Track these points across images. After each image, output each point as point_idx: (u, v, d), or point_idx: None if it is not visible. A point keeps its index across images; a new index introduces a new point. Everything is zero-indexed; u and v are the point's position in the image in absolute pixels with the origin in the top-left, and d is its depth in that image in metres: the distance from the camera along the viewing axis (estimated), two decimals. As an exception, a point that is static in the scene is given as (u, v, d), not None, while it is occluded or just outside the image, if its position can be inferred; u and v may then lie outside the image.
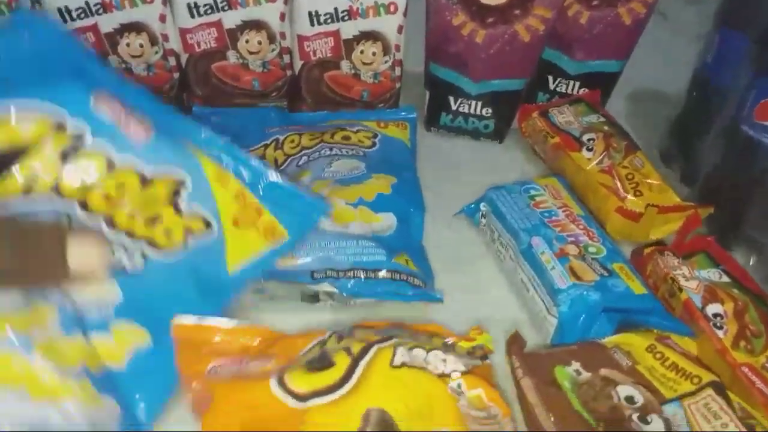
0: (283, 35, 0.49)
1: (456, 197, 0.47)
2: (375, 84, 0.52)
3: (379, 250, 0.38)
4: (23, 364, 0.28)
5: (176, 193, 0.33)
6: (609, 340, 0.35)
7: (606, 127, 0.49)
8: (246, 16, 0.47)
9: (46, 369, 0.28)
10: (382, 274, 0.38)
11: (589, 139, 0.48)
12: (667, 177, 0.47)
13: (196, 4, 0.46)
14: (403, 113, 0.52)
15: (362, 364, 0.30)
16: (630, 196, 0.44)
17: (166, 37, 0.48)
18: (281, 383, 0.30)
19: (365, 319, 0.35)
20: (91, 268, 0.30)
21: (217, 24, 0.48)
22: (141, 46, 0.48)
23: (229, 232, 0.34)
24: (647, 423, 0.30)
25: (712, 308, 0.36)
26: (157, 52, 0.48)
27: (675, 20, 0.75)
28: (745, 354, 0.34)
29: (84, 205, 0.31)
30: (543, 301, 0.38)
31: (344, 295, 0.37)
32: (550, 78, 0.55)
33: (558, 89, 0.55)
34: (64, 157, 0.30)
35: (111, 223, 0.31)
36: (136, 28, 0.47)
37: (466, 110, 0.52)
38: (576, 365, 0.33)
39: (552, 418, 0.30)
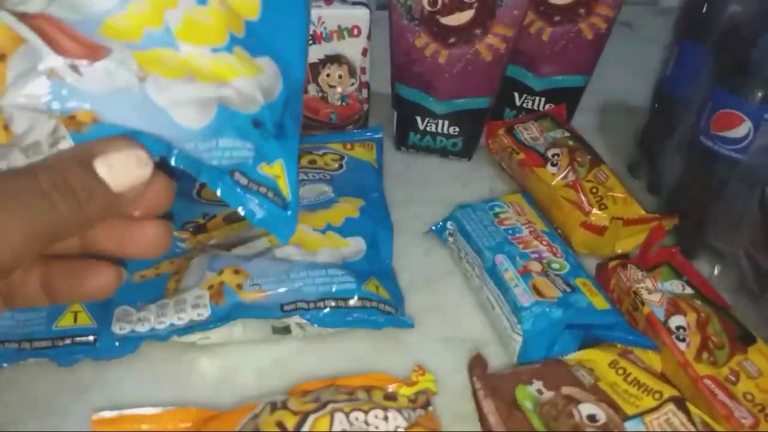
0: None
1: (425, 216, 0.47)
2: (343, 106, 0.53)
3: (348, 278, 0.38)
4: (173, 56, 0.24)
5: None
6: (571, 357, 0.35)
7: (571, 142, 0.49)
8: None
9: (200, 53, 0.25)
10: (353, 302, 0.37)
11: (553, 155, 0.48)
12: (635, 188, 0.48)
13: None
14: (369, 133, 0.52)
15: None
16: (595, 210, 0.44)
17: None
18: None
19: (310, 378, 0.34)
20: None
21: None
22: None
23: None
24: (608, 441, 0.30)
25: (675, 320, 0.37)
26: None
27: (642, 30, 0.75)
28: (707, 366, 0.34)
29: None
30: (508, 319, 0.38)
31: (315, 326, 0.37)
32: (516, 94, 0.55)
33: (524, 105, 0.56)
34: None
35: None
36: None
37: (433, 129, 0.52)
38: (538, 384, 0.33)
39: (513, 440, 0.30)
